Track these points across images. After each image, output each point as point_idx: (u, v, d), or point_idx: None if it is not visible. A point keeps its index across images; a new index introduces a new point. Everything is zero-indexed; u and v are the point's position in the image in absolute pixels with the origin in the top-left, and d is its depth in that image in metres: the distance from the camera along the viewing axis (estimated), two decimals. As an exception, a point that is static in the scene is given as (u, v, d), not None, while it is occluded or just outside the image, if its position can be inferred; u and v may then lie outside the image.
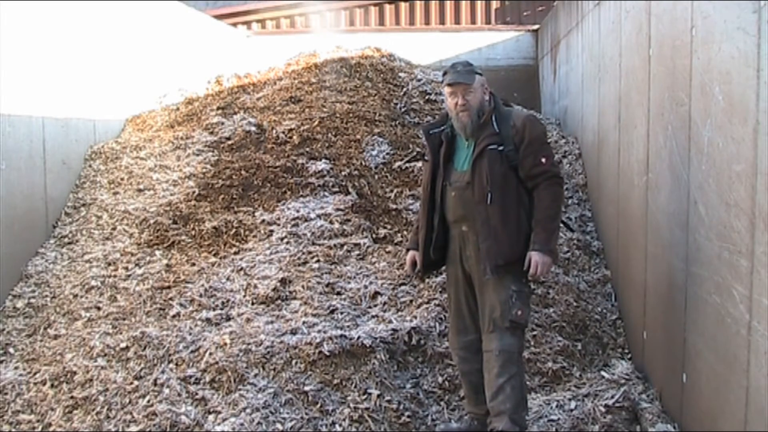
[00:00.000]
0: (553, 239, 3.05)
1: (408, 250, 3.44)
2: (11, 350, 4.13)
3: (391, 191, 5.51)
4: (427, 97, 7.07)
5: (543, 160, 3.07)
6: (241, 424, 3.26)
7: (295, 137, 5.99)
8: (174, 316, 4.19)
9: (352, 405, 3.42)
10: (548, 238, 3.02)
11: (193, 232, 5.00)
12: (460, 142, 3.22)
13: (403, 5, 10.70)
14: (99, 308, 4.36)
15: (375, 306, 4.28)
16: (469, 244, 3.16)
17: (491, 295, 3.10)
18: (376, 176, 5.66)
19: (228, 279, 4.49)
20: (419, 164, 5.70)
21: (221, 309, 4.21)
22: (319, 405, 3.43)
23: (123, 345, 3.89)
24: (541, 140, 3.14)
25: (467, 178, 3.12)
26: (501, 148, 3.07)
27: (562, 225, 3.29)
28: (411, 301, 4.31)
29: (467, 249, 3.17)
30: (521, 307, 3.07)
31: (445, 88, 3.21)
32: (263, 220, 5.05)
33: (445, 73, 3.23)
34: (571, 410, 3.45)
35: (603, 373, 3.78)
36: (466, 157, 3.17)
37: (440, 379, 3.79)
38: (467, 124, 3.14)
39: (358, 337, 3.75)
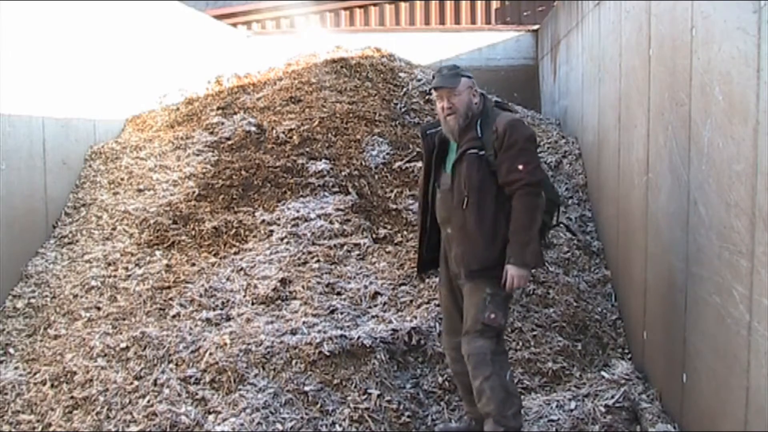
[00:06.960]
0: (528, 251, 2.98)
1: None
2: (11, 350, 4.13)
3: (391, 191, 5.51)
4: (427, 97, 7.06)
5: (520, 167, 2.98)
6: (241, 424, 3.26)
7: (295, 137, 5.99)
8: (174, 316, 4.19)
9: (352, 405, 3.42)
10: (521, 250, 2.97)
11: (193, 232, 5.00)
12: (452, 144, 3.21)
13: (403, 5, 10.71)
14: (99, 308, 4.36)
15: (375, 306, 4.28)
16: (452, 246, 3.18)
17: (467, 299, 3.12)
18: (376, 176, 5.66)
19: (228, 279, 4.49)
20: (419, 164, 5.69)
21: (221, 309, 4.21)
22: (319, 405, 3.43)
23: (123, 345, 3.89)
24: (521, 146, 3.02)
25: (449, 181, 3.13)
26: (482, 152, 3.05)
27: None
28: (411, 301, 4.31)
29: (451, 251, 3.19)
30: (494, 311, 3.04)
31: (432, 91, 3.23)
32: (263, 220, 5.05)
33: (433, 77, 3.23)
34: (571, 410, 3.45)
35: (603, 373, 3.78)
36: (452, 161, 3.17)
37: (440, 379, 3.79)
38: (454, 128, 3.13)
39: (358, 337, 3.76)
